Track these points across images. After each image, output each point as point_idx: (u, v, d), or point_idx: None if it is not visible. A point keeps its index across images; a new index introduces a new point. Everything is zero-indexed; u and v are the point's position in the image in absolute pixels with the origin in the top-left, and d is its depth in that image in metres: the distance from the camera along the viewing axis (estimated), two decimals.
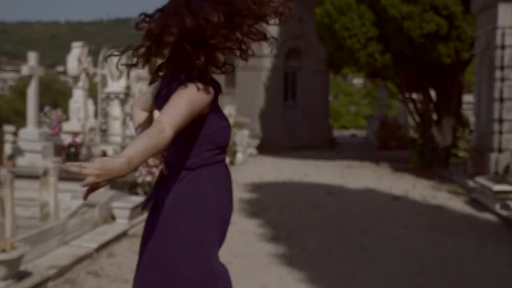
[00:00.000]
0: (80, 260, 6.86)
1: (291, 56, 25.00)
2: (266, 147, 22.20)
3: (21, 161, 10.52)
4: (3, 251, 5.46)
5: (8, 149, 10.79)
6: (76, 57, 13.42)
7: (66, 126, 13.27)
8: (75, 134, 12.84)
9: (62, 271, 6.42)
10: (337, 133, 31.94)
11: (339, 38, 16.72)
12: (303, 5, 24.35)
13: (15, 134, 11.34)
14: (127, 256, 7.30)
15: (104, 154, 12.77)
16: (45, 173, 7.10)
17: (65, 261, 6.63)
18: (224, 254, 7.62)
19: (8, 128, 11.18)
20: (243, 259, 7.36)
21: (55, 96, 43.70)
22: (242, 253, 7.64)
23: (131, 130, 13.91)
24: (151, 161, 2.75)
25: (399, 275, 6.75)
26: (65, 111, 14.18)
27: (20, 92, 49.70)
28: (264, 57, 24.05)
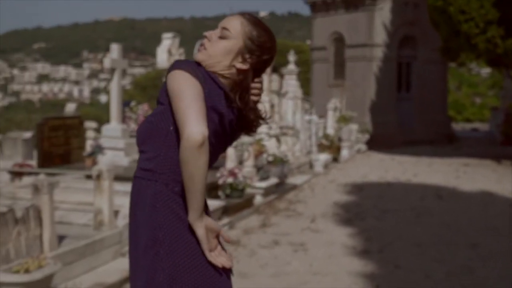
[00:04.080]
0: None
1: (405, 45, 23.36)
2: (377, 142, 20.83)
3: (101, 160, 9.94)
4: (27, 271, 4.71)
5: (88, 146, 10.27)
6: (166, 48, 12.74)
7: None
8: None
9: None
10: (458, 126, 29.82)
11: (455, 23, 15.08)
12: None
13: (97, 130, 10.83)
14: None
15: None
16: (98, 176, 6.35)
17: (115, 277, 5.85)
18: (302, 271, 6.64)
19: (90, 124, 10.69)
20: (322, 278, 6.30)
21: None
22: (323, 270, 6.57)
23: None
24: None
25: None
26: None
27: (141, 86, 50.96)
28: (375, 46, 22.66)
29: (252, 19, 2.22)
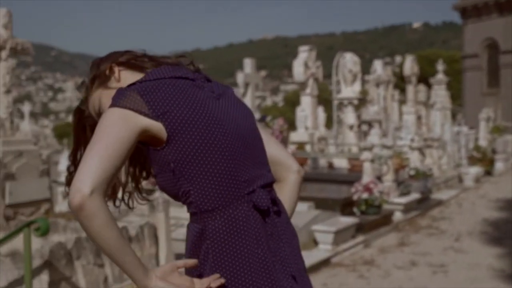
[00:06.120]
0: None
1: None
2: None
3: None
4: None
5: None
6: (302, 62, 12.53)
7: (294, 136, 12.44)
8: (300, 144, 11.97)
9: None
10: None
11: None
12: None
13: None
14: None
15: (330, 166, 11.67)
16: None
17: None
18: None
19: None
20: None
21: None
22: None
23: (369, 139, 12.53)
24: None
25: None
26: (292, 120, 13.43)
27: (291, 102, 51.41)
28: None
29: None
